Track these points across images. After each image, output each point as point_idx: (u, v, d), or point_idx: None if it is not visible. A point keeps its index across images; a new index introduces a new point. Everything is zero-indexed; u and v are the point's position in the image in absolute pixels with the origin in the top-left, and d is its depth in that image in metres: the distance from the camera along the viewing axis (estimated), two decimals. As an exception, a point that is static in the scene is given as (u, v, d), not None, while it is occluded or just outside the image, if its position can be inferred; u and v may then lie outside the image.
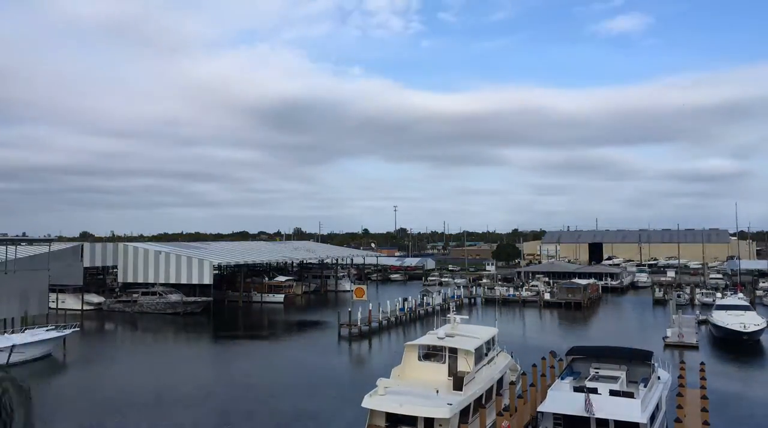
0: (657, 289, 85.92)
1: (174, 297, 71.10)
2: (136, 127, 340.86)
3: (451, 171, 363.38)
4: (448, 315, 29.98)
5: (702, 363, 31.43)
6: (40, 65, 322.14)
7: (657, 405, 22.61)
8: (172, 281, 74.41)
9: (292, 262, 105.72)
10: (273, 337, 56.54)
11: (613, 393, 21.63)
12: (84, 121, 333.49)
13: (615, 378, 23.99)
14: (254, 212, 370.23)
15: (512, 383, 28.78)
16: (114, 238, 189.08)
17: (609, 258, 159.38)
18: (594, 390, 21.44)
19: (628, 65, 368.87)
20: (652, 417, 21.51)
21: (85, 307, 72.11)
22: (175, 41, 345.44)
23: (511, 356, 31.00)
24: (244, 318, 70.68)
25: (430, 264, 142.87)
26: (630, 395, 21.54)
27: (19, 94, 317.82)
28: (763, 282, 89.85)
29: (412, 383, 24.13)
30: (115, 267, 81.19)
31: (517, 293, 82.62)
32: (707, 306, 64.55)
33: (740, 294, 72.75)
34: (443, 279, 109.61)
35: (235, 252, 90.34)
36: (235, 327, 64.90)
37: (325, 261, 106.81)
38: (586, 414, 20.48)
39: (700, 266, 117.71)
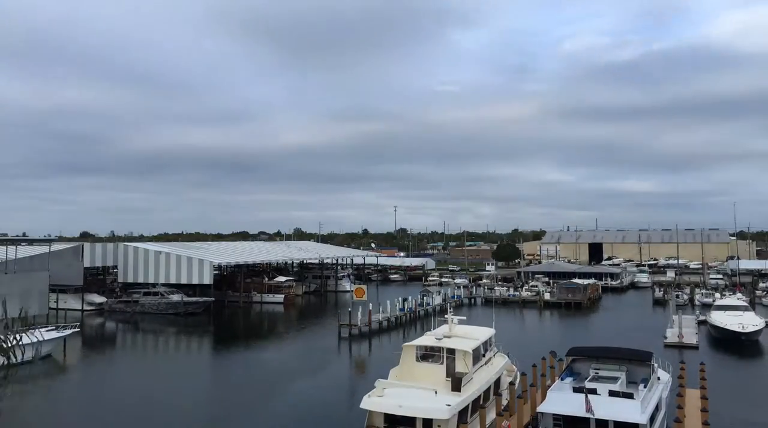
0: (657, 289, 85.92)
1: (175, 297, 71.09)
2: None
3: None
4: (446, 316, 29.91)
5: (702, 364, 31.42)
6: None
7: (657, 405, 22.59)
8: (172, 281, 74.40)
9: (292, 262, 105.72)
10: (273, 338, 56.54)
11: (612, 393, 21.63)
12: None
13: (615, 379, 23.99)
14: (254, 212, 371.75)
15: (512, 383, 28.78)
16: (114, 238, 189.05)
17: (609, 259, 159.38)
18: (593, 391, 21.44)
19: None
20: (652, 418, 21.50)
21: (88, 307, 72.09)
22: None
23: (507, 356, 31.00)
24: (245, 318, 70.67)
25: (430, 264, 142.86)
26: (629, 395, 21.54)
27: None
28: (763, 283, 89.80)
29: (411, 384, 24.13)
30: (116, 267, 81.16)
31: (517, 293, 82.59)
32: (707, 307, 64.50)
33: (739, 295, 72.80)
34: (443, 280, 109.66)
35: (235, 252, 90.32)
36: (236, 328, 64.88)
37: (325, 262, 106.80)
38: (585, 415, 20.48)
39: (700, 266, 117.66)
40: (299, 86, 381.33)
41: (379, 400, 22.38)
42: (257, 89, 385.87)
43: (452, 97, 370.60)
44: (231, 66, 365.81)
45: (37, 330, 45.08)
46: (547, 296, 78.54)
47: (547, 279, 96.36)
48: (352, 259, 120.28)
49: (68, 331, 47.03)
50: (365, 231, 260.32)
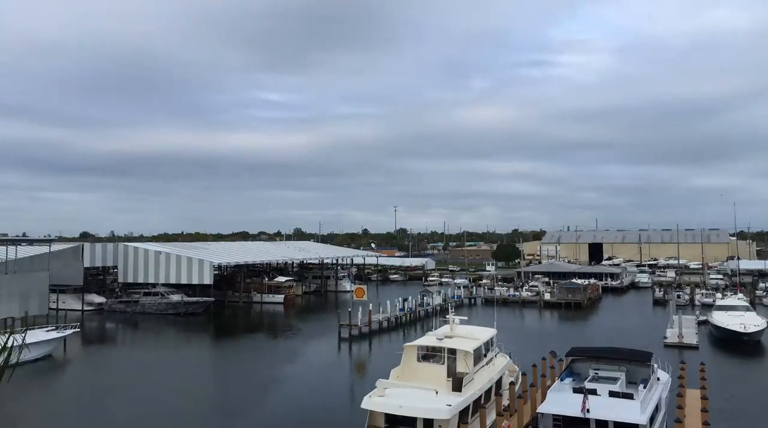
0: (657, 289, 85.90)
1: (175, 297, 71.07)
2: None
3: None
4: (447, 316, 29.91)
5: (702, 364, 31.40)
6: None
7: (656, 406, 22.58)
8: (173, 281, 74.40)
9: (292, 262, 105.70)
10: (273, 338, 56.51)
11: (612, 394, 21.61)
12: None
13: (614, 379, 23.97)
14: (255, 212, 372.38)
15: (512, 383, 28.77)
16: (114, 238, 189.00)
17: (609, 259, 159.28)
18: (593, 391, 21.43)
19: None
20: (652, 418, 21.49)
21: (87, 308, 72.02)
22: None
23: (509, 357, 31.00)
24: (244, 318, 70.64)
25: (430, 264, 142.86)
26: (629, 396, 21.52)
27: None
28: (763, 283, 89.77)
29: (412, 384, 24.13)
30: (116, 267, 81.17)
31: (517, 293, 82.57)
32: (707, 307, 64.48)
33: (740, 295, 72.77)
34: (443, 280, 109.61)
35: (235, 252, 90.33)
36: (235, 328, 64.86)
37: (325, 262, 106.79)
38: (581, 415, 20.47)
39: (700, 266, 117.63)
40: (296, 85, 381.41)
41: (379, 400, 22.37)
42: (255, 88, 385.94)
43: (451, 95, 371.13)
44: (225, 65, 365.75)
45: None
46: (547, 296, 78.50)
47: (547, 279, 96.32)
48: (352, 259, 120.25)
49: (68, 331, 47.01)
50: (365, 231, 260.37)
